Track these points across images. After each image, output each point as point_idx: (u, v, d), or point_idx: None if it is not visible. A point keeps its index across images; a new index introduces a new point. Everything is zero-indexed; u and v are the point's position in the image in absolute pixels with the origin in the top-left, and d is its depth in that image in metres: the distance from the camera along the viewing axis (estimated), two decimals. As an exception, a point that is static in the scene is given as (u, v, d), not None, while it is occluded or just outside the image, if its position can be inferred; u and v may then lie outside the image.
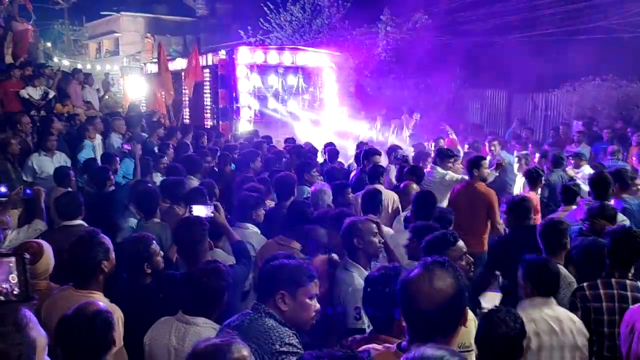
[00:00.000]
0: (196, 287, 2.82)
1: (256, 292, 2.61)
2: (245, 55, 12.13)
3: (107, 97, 14.22)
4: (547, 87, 16.03)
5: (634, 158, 8.69)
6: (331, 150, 8.52)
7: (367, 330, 2.84)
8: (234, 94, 12.06)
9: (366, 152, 7.29)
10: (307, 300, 2.50)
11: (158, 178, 6.74)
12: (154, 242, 3.40)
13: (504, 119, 17.57)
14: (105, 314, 2.48)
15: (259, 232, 4.56)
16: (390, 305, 2.33)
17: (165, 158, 7.58)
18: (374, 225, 3.62)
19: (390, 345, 2.12)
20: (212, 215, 3.91)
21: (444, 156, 7.09)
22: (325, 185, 5.62)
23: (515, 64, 15.79)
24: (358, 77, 17.23)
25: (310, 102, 13.26)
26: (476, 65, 17.68)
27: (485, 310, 3.10)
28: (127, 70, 17.92)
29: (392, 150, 8.31)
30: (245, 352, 1.96)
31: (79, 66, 20.06)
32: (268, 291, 2.51)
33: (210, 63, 12.79)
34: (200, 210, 3.92)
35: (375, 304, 2.46)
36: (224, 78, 12.23)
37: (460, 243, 3.36)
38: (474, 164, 6.28)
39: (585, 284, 3.71)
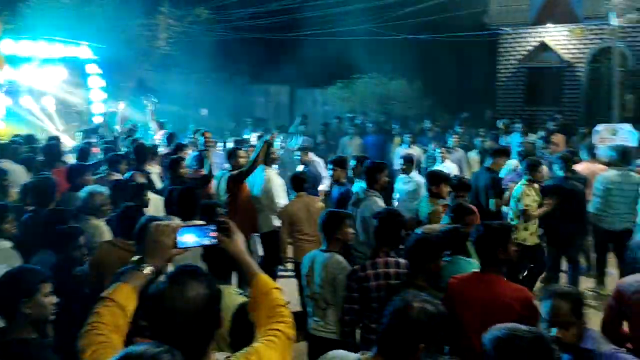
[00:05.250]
0: None
1: None
2: None
3: None
4: (324, 84, 17.21)
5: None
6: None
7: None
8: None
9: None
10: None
11: None
12: None
13: (288, 112, 18.40)
14: None
15: (9, 246, 4.04)
16: None
17: None
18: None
19: None
20: None
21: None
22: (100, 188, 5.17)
23: (296, 61, 16.62)
24: (138, 70, 16.38)
25: (76, 96, 12.21)
26: (261, 61, 18.15)
27: None
28: None
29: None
30: None
31: None
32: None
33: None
34: None
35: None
36: None
37: None
38: (229, 155, 6.63)
39: (356, 267, 4.00)
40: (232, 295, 2.62)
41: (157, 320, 1.72)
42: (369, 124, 12.24)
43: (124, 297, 1.83)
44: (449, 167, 8.07)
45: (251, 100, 19.42)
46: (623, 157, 6.70)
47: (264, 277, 2.09)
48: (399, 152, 9.95)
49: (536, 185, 6.25)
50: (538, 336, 1.99)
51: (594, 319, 6.14)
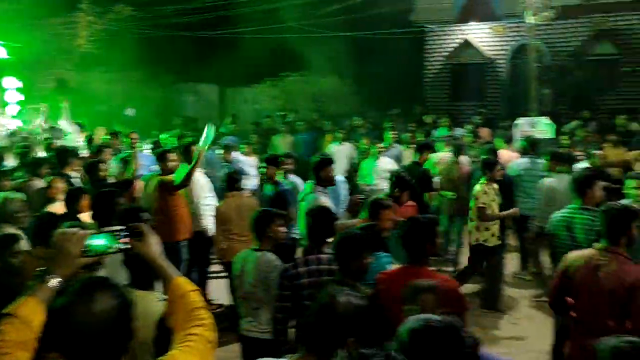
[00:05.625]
0: None
1: None
2: None
3: None
4: (253, 82, 17.07)
5: None
6: None
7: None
8: None
9: None
10: None
11: None
12: None
13: (218, 112, 18.11)
14: None
15: None
16: None
17: None
18: None
19: None
20: None
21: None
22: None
23: (225, 59, 16.39)
24: (58, 70, 15.63)
25: None
26: (189, 59, 17.78)
27: None
28: None
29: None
30: None
31: None
32: None
33: None
34: None
35: None
36: None
37: None
38: (159, 157, 6.36)
39: (289, 265, 3.97)
40: (154, 302, 2.51)
41: (63, 335, 1.60)
42: (300, 121, 12.24)
43: (29, 312, 1.69)
44: (386, 162, 8.22)
45: (180, 99, 18.96)
46: (532, 146, 7.49)
47: (180, 280, 1.99)
48: (330, 149, 10.03)
49: (495, 185, 6.23)
50: (451, 326, 2.05)
51: (521, 302, 6.50)
